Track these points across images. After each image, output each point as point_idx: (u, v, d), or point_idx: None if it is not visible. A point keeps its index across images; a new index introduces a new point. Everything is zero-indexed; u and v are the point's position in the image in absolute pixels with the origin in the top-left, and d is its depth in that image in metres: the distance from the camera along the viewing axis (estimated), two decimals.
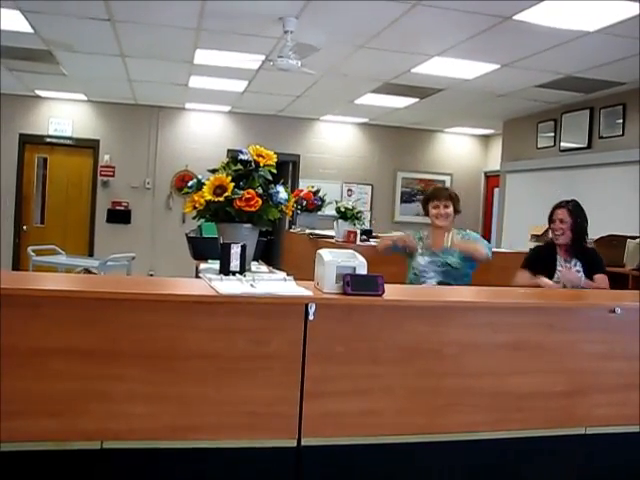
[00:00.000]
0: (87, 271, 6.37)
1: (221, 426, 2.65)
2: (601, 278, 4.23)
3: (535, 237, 7.66)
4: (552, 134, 9.26)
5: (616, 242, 5.48)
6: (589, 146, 8.42)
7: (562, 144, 9.03)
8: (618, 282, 4.82)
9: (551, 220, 4.35)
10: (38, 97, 10.42)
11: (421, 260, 4.43)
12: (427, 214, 4.54)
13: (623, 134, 7.86)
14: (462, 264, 4.36)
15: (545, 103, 8.89)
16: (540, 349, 3.01)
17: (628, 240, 5.62)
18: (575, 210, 4.31)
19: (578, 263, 4.29)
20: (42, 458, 2.50)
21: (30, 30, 6.38)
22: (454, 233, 4.45)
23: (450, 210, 4.45)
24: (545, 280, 4.15)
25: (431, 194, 4.59)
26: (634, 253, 5.45)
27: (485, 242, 4.51)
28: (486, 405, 2.95)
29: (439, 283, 4.32)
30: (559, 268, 4.27)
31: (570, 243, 4.30)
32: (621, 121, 7.89)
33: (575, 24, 5.41)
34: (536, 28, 5.51)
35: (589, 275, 4.25)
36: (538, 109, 9.32)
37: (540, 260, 4.33)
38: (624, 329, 3.13)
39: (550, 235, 4.38)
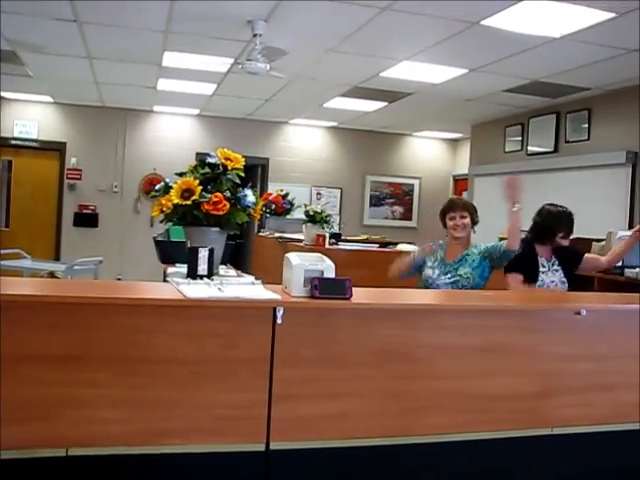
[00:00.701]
0: (52, 275, 6.28)
1: (190, 430, 2.64)
2: (591, 257, 4.56)
3: (504, 240, 7.71)
4: (519, 138, 9.35)
5: (581, 245, 5.53)
6: (556, 150, 8.53)
7: (529, 148, 9.13)
8: (584, 284, 4.86)
9: None
10: (3, 98, 10.25)
11: (430, 272, 4.27)
12: (445, 226, 4.42)
13: (589, 138, 7.97)
14: (473, 274, 4.21)
15: (513, 107, 8.98)
16: (508, 351, 3.04)
17: (593, 243, 5.68)
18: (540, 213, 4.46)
19: (556, 262, 4.36)
20: (14, 466, 2.46)
21: None
22: (472, 247, 4.34)
23: (467, 221, 4.34)
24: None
25: (447, 206, 4.46)
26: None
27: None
28: (456, 407, 2.97)
29: None
30: (542, 269, 4.30)
31: (549, 245, 4.38)
32: (586, 126, 8.00)
33: (542, 30, 5.47)
34: (503, 33, 5.56)
35: (569, 270, 4.34)
36: (506, 113, 9.41)
37: (523, 260, 4.31)
38: (589, 331, 3.18)
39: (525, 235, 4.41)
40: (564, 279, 4.33)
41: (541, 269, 4.32)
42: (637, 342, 3.22)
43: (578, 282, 4.44)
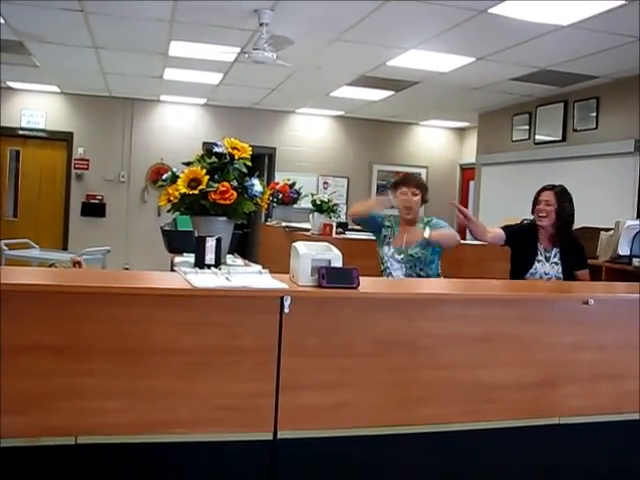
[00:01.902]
0: (52, 266, 6.29)
1: (198, 420, 2.64)
2: (583, 275, 4.21)
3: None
4: (527, 127, 9.32)
5: (589, 234, 5.52)
6: (563, 139, 8.49)
7: (537, 137, 9.10)
8: (591, 274, 4.85)
9: (536, 202, 4.23)
10: (10, 89, 10.28)
11: (387, 250, 4.41)
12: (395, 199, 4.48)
13: (597, 127, 7.94)
14: (424, 252, 4.29)
15: (520, 96, 8.94)
16: (513, 341, 3.03)
17: (602, 232, 5.66)
18: (561, 194, 4.20)
19: (558, 254, 4.20)
20: (14, 455, 2.47)
21: (1, 20, 6.29)
22: (419, 223, 4.38)
23: (418, 198, 4.40)
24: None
25: (400, 180, 4.56)
26: (607, 245, 5.50)
27: (450, 227, 4.43)
28: (459, 397, 2.97)
29: (406, 276, 4.30)
30: (539, 257, 4.22)
31: (554, 231, 4.19)
32: (595, 114, 7.96)
33: (549, 18, 5.44)
34: (511, 22, 5.54)
35: (569, 268, 4.19)
36: (513, 102, 9.38)
37: (521, 237, 4.24)
38: (596, 320, 3.17)
39: (534, 218, 4.27)
40: (560, 275, 4.18)
41: (538, 257, 4.21)
42: None
43: None
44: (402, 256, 4.32)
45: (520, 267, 4.21)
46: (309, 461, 2.82)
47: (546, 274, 4.18)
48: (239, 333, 2.65)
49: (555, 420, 3.13)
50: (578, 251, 4.28)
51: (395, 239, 4.42)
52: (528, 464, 3.12)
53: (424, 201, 4.47)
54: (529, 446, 3.10)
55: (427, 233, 4.17)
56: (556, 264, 4.20)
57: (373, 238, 4.69)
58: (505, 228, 4.34)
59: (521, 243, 4.25)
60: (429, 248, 4.30)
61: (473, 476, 3.08)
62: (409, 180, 4.51)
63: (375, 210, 4.52)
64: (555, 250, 4.23)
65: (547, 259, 4.20)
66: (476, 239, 4.43)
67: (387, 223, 4.51)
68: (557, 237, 4.23)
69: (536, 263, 4.19)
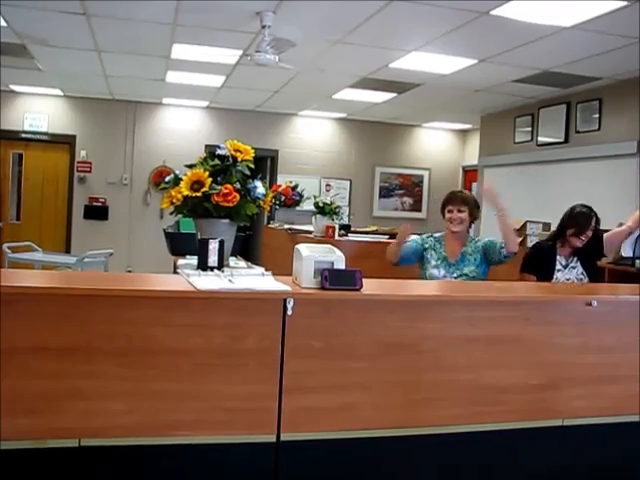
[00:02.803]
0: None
1: (201, 422, 2.65)
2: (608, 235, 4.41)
3: (514, 231, 7.69)
4: (529, 129, 9.31)
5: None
6: (566, 141, 8.48)
7: (539, 139, 9.09)
8: (595, 276, 4.85)
9: (581, 231, 4.24)
10: (13, 92, 10.29)
11: (436, 272, 4.24)
12: (444, 219, 4.39)
13: (599, 129, 7.92)
14: (478, 271, 4.22)
15: (522, 98, 8.94)
16: (517, 343, 3.03)
17: (605, 234, 5.65)
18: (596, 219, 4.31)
19: (578, 262, 4.30)
20: (19, 457, 2.48)
21: (3, 24, 6.29)
22: (468, 243, 4.31)
23: (464, 215, 4.28)
24: None
25: (447, 198, 4.41)
26: (611, 247, 5.49)
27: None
28: (464, 399, 2.97)
29: None
30: (558, 267, 4.27)
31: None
32: (597, 116, 7.95)
33: (552, 19, 5.44)
34: (513, 23, 5.53)
35: (590, 263, 4.31)
36: (515, 104, 9.37)
37: (540, 260, 4.29)
38: (600, 322, 3.17)
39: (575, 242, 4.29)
40: (581, 276, 4.27)
41: (557, 267, 4.27)
42: None
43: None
44: (455, 274, 4.22)
45: (542, 280, 4.22)
46: (313, 463, 2.82)
47: (567, 279, 4.25)
48: (242, 335, 2.65)
49: (559, 422, 3.13)
50: (595, 246, 4.35)
51: (445, 258, 4.29)
52: (532, 466, 3.12)
53: (474, 218, 4.38)
54: (533, 448, 3.10)
55: (502, 212, 4.11)
56: (573, 268, 4.29)
57: (376, 240, 4.69)
58: (526, 269, 4.33)
59: (541, 263, 4.29)
60: (482, 267, 4.24)
61: (478, 477, 3.08)
62: (454, 198, 4.38)
63: (402, 240, 4.30)
64: (572, 256, 4.33)
65: (566, 266, 4.26)
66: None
67: (426, 245, 4.37)
68: (576, 251, 4.31)
69: (556, 273, 4.27)
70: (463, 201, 4.34)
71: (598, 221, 4.31)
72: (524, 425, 3.07)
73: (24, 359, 2.44)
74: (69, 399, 2.49)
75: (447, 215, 4.34)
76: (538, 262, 4.30)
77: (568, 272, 4.27)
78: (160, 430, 2.60)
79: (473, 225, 4.44)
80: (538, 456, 3.12)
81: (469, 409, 2.99)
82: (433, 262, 4.29)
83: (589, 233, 4.22)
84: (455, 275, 4.22)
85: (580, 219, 4.25)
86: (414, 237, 4.45)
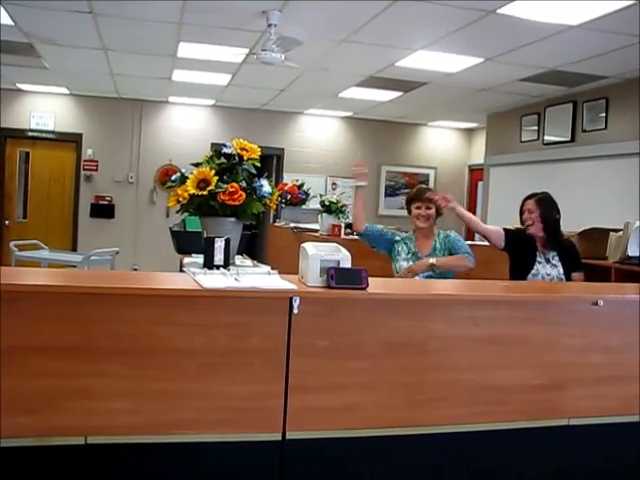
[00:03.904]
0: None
1: (204, 421, 2.65)
2: (578, 277, 4.25)
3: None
4: (536, 128, 9.29)
5: (598, 235, 5.49)
6: (572, 139, 8.46)
7: (546, 137, 9.07)
8: (600, 275, 4.84)
9: (521, 212, 4.33)
10: (19, 90, 10.33)
11: (404, 264, 4.39)
12: (410, 214, 4.53)
13: (606, 128, 7.91)
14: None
15: (529, 97, 8.92)
16: (522, 342, 3.03)
17: (611, 233, 5.63)
18: (543, 201, 4.27)
19: (556, 257, 4.27)
20: (23, 455, 2.48)
21: (10, 22, 6.31)
22: (436, 237, 4.45)
23: (432, 211, 4.43)
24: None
25: (414, 194, 4.56)
26: (616, 246, 5.47)
27: (465, 247, 4.41)
28: (469, 398, 2.97)
29: None
30: (539, 259, 4.26)
31: (544, 236, 4.26)
32: (604, 115, 7.93)
33: (558, 18, 5.43)
34: (519, 22, 5.52)
35: (567, 271, 4.23)
36: (522, 103, 9.35)
37: (521, 242, 4.28)
38: (605, 322, 3.16)
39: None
40: (562, 276, 4.23)
41: (538, 259, 4.25)
42: None
43: (594, 273, 4.40)
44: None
45: (521, 269, 4.24)
46: (318, 462, 2.82)
47: (547, 275, 4.22)
48: (248, 334, 2.65)
49: (564, 422, 3.12)
50: (572, 254, 4.34)
51: (415, 253, 4.43)
52: (537, 465, 3.12)
53: (439, 214, 4.49)
54: (538, 448, 3.09)
55: (433, 260, 4.24)
56: (555, 266, 4.25)
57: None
58: (505, 230, 4.36)
59: (520, 247, 4.29)
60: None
61: (482, 477, 3.07)
62: (421, 194, 4.51)
63: (359, 182, 4.69)
64: (553, 253, 4.29)
65: (547, 261, 4.26)
66: (470, 228, 4.45)
67: (397, 238, 4.55)
68: (549, 242, 4.29)
69: (537, 265, 4.24)
70: (430, 198, 4.44)
71: (553, 223, 4.28)
72: (528, 425, 3.06)
73: (27, 358, 2.44)
74: (73, 398, 2.49)
75: (415, 212, 4.48)
76: (517, 241, 4.29)
77: (550, 268, 4.22)
78: (164, 429, 2.61)
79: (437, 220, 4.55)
80: (543, 456, 3.11)
81: (473, 409, 2.98)
82: (403, 255, 4.45)
83: (530, 216, 4.23)
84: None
85: (520, 207, 4.34)
86: (381, 226, 4.73)
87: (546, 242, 4.28)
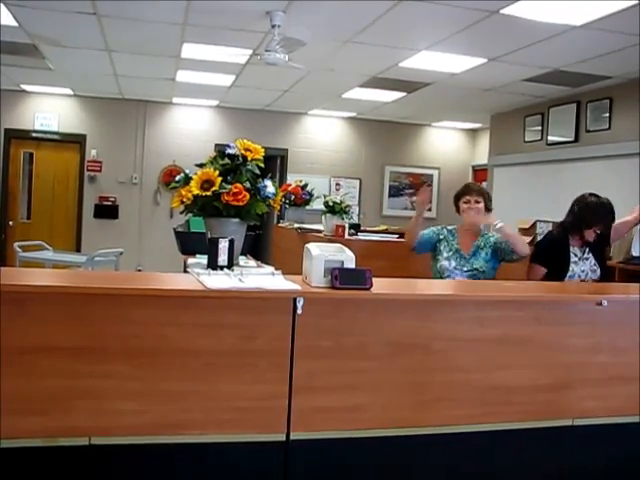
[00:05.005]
0: None
1: (211, 422, 2.65)
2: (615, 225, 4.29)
3: (523, 230, 7.68)
4: (539, 128, 9.28)
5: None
6: (576, 140, 8.45)
7: (549, 138, 9.06)
8: (605, 275, 4.82)
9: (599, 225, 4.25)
10: (24, 92, 10.34)
11: (446, 264, 4.26)
12: (458, 211, 4.42)
13: (610, 128, 7.89)
14: (487, 266, 4.23)
15: (532, 97, 8.91)
16: (527, 343, 3.03)
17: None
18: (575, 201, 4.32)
19: (587, 249, 4.24)
20: (30, 455, 2.49)
21: (15, 24, 6.32)
22: (481, 236, 4.33)
23: (481, 205, 4.32)
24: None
25: (462, 190, 4.45)
26: (621, 246, 5.49)
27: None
28: (474, 399, 2.97)
29: None
30: (574, 259, 4.22)
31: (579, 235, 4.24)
32: (607, 115, 7.92)
33: (562, 18, 5.42)
34: (523, 22, 5.52)
35: (597, 257, 4.25)
36: (525, 103, 9.34)
37: (553, 252, 4.24)
38: (610, 322, 3.15)
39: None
40: (595, 267, 4.23)
41: (572, 259, 4.21)
42: None
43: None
44: (466, 267, 4.23)
45: (557, 272, 4.17)
46: (323, 463, 2.82)
47: (582, 271, 4.21)
48: (252, 334, 2.66)
49: (569, 422, 3.12)
50: (600, 238, 4.29)
51: (458, 250, 4.30)
52: (542, 466, 3.12)
53: (487, 209, 4.38)
54: (543, 447, 3.09)
55: (499, 224, 4.12)
56: (586, 259, 4.25)
57: (386, 239, 4.69)
58: (538, 259, 4.26)
59: (553, 255, 4.23)
60: (492, 262, 4.25)
61: (487, 477, 3.07)
62: (470, 188, 4.43)
63: (421, 211, 4.35)
64: (585, 247, 4.27)
65: (580, 258, 4.22)
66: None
67: (441, 236, 4.38)
68: (584, 239, 4.25)
69: (572, 265, 4.21)
70: (479, 192, 4.38)
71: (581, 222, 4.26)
72: (534, 425, 3.06)
73: (35, 358, 2.45)
74: (79, 398, 2.50)
75: (464, 206, 4.35)
76: (551, 253, 4.23)
77: (582, 263, 4.22)
78: (170, 429, 2.61)
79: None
80: (549, 456, 3.11)
81: (479, 409, 2.98)
82: (445, 254, 4.30)
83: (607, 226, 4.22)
84: (466, 269, 4.22)
85: (604, 213, 4.22)
86: (430, 228, 4.48)
87: (580, 239, 4.25)
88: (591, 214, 4.20)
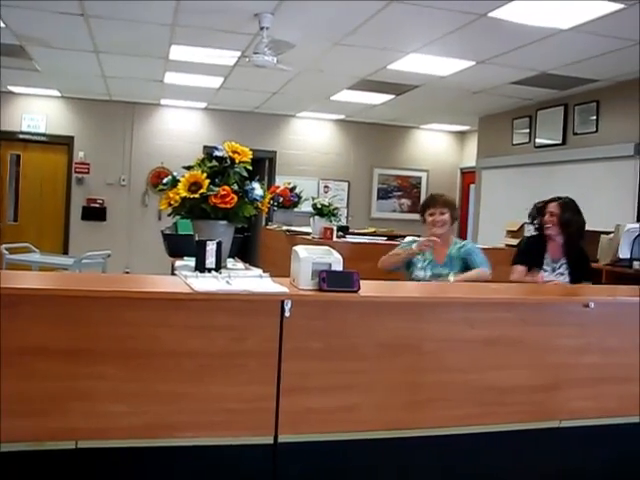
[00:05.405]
0: None
1: (199, 424, 2.64)
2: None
3: (511, 233, 7.71)
4: (527, 130, 9.32)
5: (590, 238, 5.52)
6: (564, 142, 8.49)
7: (537, 140, 9.10)
8: (592, 277, 4.85)
9: (543, 214, 4.39)
10: (11, 93, 10.29)
11: (421, 274, 4.27)
12: (425, 222, 4.43)
13: (597, 130, 7.94)
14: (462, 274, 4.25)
15: (520, 100, 8.95)
16: (516, 344, 3.03)
17: (602, 236, 5.67)
18: (565, 205, 4.34)
19: (564, 265, 4.30)
20: (18, 459, 2.47)
21: (1, 24, 6.29)
22: (452, 245, 4.34)
23: (446, 217, 4.31)
24: (541, 274, 4.19)
25: (427, 201, 4.47)
26: (608, 248, 5.51)
27: (482, 258, 4.29)
28: (463, 400, 2.97)
29: None
30: (545, 267, 4.28)
31: (563, 241, 4.32)
32: (595, 118, 7.96)
33: (549, 21, 5.44)
34: (511, 25, 5.54)
35: (575, 280, 4.26)
36: (513, 106, 9.38)
37: (530, 253, 4.33)
38: (598, 323, 3.17)
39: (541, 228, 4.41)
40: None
41: (544, 267, 4.27)
42: None
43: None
44: (440, 278, 4.23)
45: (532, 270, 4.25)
46: (311, 465, 2.82)
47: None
48: (241, 337, 2.65)
49: (557, 423, 3.13)
50: (583, 264, 4.39)
51: (432, 261, 4.31)
52: (533, 467, 3.12)
53: (453, 219, 4.39)
54: (534, 448, 3.10)
55: (451, 278, 4.15)
56: (561, 274, 4.28)
57: (374, 242, 4.70)
58: (519, 260, 4.38)
59: (529, 257, 4.32)
60: (463, 271, 4.26)
61: (479, 477, 3.08)
62: (435, 200, 4.42)
63: (414, 253, 4.27)
64: (562, 261, 4.33)
65: (553, 270, 4.26)
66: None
67: (422, 256, 4.35)
68: (566, 248, 4.33)
69: (543, 272, 4.23)
70: (445, 204, 4.37)
71: (582, 233, 4.36)
72: (524, 426, 3.07)
73: (25, 361, 2.44)
74: (69, 401, 2.49)
75: (429, 218, 4.36)
76: (529, 255, 4.34)
77: (554, 277, 4.26)
78: (160, 431, 2.60)
79: (454, 226, 4.48)
80: (539, 457, 3.12)
81: (469, 410, 2.99)
82: (420, 264, 4.31)
83: (551, 219, 4.30)
84: (441, 279, 4.23)
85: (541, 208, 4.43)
86: (404, 243, 4.49)
87: (562, 247, 4.30)
88: (537, 211, 4.47)
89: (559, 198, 4.40)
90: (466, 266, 4.27)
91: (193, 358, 2.61)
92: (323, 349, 2.76)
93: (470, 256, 4.28)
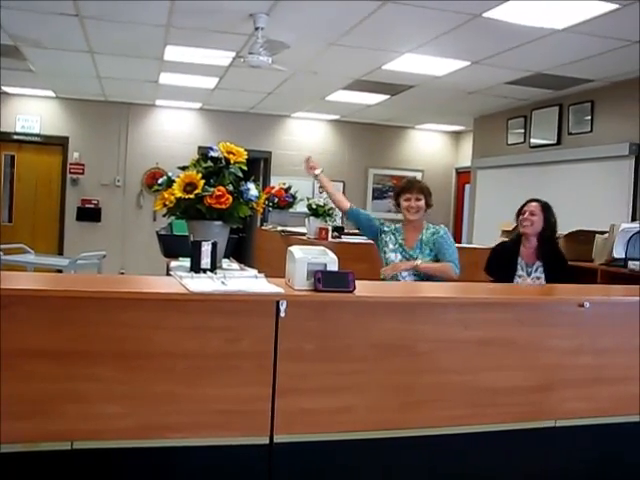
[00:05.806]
0: None
1: (194, 424, 2.64)
2: None
3: (506, 233, 7.71)
4: (522, 130, 9.33)
5: (585, 237, 5.52)
6: (558, 142, 8.51)
7: (532, 140, 9.11)
8: (587, 277, 4.86)
9: (521, 212, 4.37)
10: (5, 93, 10.26)
11: (393, 256, 4.35)
12: (399, 207, 4.46)
13: (592, 130, 7.95)
14: (431, 260, 4.29)
15: (515, 100, 8.96)
16: (510, 344, 3.04)
17: (597, 235, 5.66)
18: (546, 207, 4.35)
19: (540, 268, 4.28)
20: (13, 460, 2.46)
21: None
22: (424, 230, 4.37)
23: (422, 203, 4.35)
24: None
25: (403, 187, 4.48)
26: (602, 248, 5.50)
27: (453, 254, 4.28)
28: (457, 400, 2.97)
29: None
30: (519, 273, 4.27)
31: (538, 243, 4.30)
32: (589, 118, 7.98)
33: (544, 22, 5.45)
34: (506, 26, 5.54)
35: (551, 282, 4.24)
36: (508, 106, 9.39)
37: (500, 260, 4.32)
38: (592, 323, 3.17)
39: (519, 228, 4.40)
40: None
41: (518, 272, 4.27)
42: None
43: (581, 275, 4.41)
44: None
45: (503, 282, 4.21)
46: (307, 465, 2.81)
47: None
48: (235, 337, 2.65)
49: (552, 423, 3.13)
50: (560, 266, 4.35)
51: (402, 245, 4.38)
52: (527, 467, 3.13)
53: (428, 205, 4.41)
54: (528, 449, 3.11)
55: (418, 261, 4.21)
56: (538, 278, 4.27)
57: (369, 242, 4.69)
58: (487, 266, 4.44)
59: (499, 266, 4.33)
60: (434, 259, 4.30)
61: (472, 478, 3.08)
62: (411, 186, 4.44)
63: (315, 171, 4.90)
64: (537, 264, 4.30)
65: (529, 274, 4.25)
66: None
67: (386, 229, 4.49)
68: (541, 250, 4.31)
69: (517, 278, 4.24)
70: (420, 190, 4.40)
71: (554, 231, 4.36)
72: (519, 426, 3.07)
73: (19, 362, 2.43)
74: (64, 402, 2.48)
75: (404, 204, 4.39)
76: (498, 262, 4.34)
77: (531, 281, 4.25)
78: (155, 433, 2.59)
79: (427, 212, 4.46)
80: (532, 457, 3.12)
81: (464, 411, 2.99)
82: (391, 246, 4.41)
83: (532, 218, 4.30)
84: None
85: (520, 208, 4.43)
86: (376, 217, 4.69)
87: (536, 250, 4.29)
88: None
89: (538, 200, 4.41)
90: (436, 255, 4.30)
91: (188, 359, 2.60)
92: (318, 349, 2.76)
93: (442, 247, 4.29)
